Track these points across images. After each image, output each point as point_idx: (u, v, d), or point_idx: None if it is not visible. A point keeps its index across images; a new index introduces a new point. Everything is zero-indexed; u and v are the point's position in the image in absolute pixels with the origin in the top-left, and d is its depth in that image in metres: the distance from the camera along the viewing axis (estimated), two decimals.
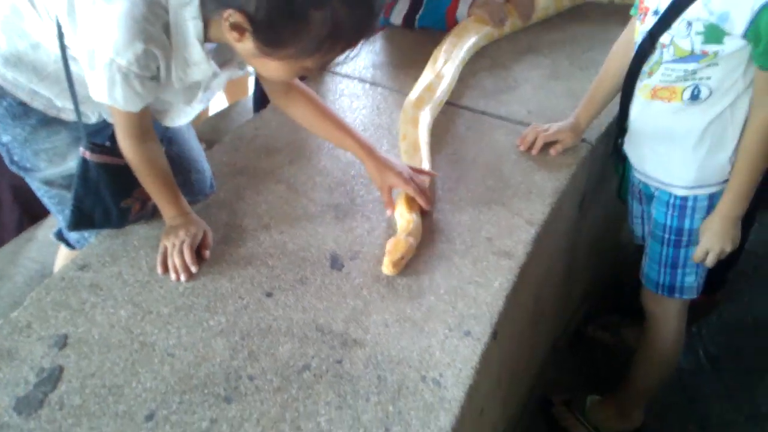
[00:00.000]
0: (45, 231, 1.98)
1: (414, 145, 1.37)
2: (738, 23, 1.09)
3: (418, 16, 1.96)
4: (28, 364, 0.98)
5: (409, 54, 1.84)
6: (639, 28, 1.27)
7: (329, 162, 1.42)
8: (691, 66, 1.19)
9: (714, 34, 1.12)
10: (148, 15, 0.94)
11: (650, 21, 1.22)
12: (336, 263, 1.16)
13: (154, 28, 0.95)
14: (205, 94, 1.13)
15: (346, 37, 0.95)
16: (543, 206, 1.29)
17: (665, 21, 1.19)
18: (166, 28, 0.97)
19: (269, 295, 1.10)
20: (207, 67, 1.03)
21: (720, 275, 1.81)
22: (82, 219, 1.19)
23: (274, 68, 1.01)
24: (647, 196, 1.43)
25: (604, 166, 1.59)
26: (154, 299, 1.08)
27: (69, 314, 1.06)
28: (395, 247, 1.12)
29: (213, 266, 1.15)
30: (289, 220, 1.26)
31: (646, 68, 1.27)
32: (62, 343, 1.01)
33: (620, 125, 1.41)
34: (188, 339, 1.02)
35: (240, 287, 1.11)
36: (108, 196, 1.16)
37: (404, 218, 1.20)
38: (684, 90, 1.22)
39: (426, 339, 1.02)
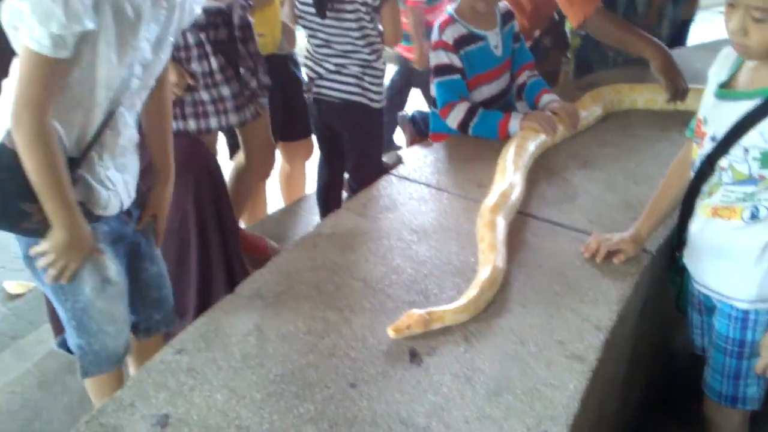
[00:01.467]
0: None
1: (492, 245, 1.46)
2: None
3: (472, 124, 2.12)
4: None
5: (470, 161, 1.97)
6: (698, 150, 1.36)
7: (402, 261, 1.51)
8: (749, 189, 1.27)
9: None
10: None
11: (708, 146, 1.31)
12: (415, 358, 1.22)
13: None
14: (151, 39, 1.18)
15: None
16: (610, 312, 1.35)
17: (723, 147, 1.28)
18: None
19: (353, 386, 1.16)
20: None
21: None
22: None
23: None
24: (708, 307, 1.48)
25: (663, 276, 1.65)
26: (247, 385, 1.15)
27: (168, 395, 1.13)
28: (406, 318, 1.26)
29: (301, 355, 1.22)
30: (368, 315, 1.33)
31: (705, 188, 1.36)
32: (164, 422, 1.08)
33: (679, 238, 1.49)
34: (280, 425, 1.08)
35: (326, 377, 1.18)
36: (11, 189, 1.14)
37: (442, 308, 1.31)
38: (743, 210, 1.29)
39: None
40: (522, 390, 1.16)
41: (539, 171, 1.91)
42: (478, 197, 1.73)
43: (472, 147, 2.09)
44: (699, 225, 1.40)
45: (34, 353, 2.08)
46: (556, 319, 1.33)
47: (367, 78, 2.37)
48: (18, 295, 2.82)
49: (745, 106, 1.23)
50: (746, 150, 1.24)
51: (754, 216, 1.29)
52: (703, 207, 1.38)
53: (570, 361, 1.23)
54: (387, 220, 1.68)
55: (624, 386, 1.71)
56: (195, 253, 1.81)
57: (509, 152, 1.84)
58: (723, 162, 1.28)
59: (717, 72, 1.35)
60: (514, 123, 2.07)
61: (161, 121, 1.40)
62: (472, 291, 1.33)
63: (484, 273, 1.39)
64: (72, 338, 1.36)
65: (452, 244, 1.58)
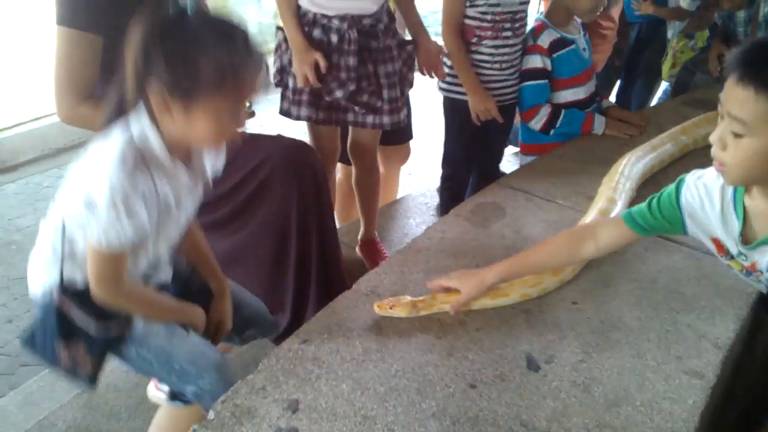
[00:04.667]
0: None
1: None
2: None
3: (556, 125, 2.25)
4: (267, 423, 1.11)
5: (577, 173, 1.98)
6: (758, 279, 1.22)
7: None
8: None
9: None
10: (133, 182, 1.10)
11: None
12: (532, 364, 1.25)
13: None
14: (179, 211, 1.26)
15: (232, 76, 1.08)
16: (727, 331, 1.34)
17: None
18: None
19: (473, 386, 1.19)
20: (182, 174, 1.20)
21: None
22: (31, 341, 1.29)
23: (202, 126, 1.11)
24: None
25: None
26: (370, 377, 1.21)
27: (297, 382, 1.19)
28: (394, 299, 1.36)
29: (420, 354, 1.26)
30: (483, 319, 1.37)
31: None
32: (294, 407, 1.14)
33: None
34: (404, 418, 1.12)
35: (445, 376, 1.22)
36: (50, 333, 1.26)
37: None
38: None
39: None
40: (641, 402, 1.16)
41: (648, 186, 1.89)
42: (587, 209, 1.74)
43: (576, 158, 2.09)
44: None
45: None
46: (672, 335, 1.32)
47: None
48: None
49: None
50: None
51: None
52: None
53: (689, 377, 1.22)
54: (495, 227, 1.71)
55: (730, 400, 1.68)
56: (294, 255, 1.89)
57: (616, 173, 1.82)
58: None
59: (703, 203, 1.20)
60: (599, 124, 2.26)
61: (198, 250, 1.51)
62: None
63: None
64: (184, 391, 1.40)
65: None
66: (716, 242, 1.23)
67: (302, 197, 1.84)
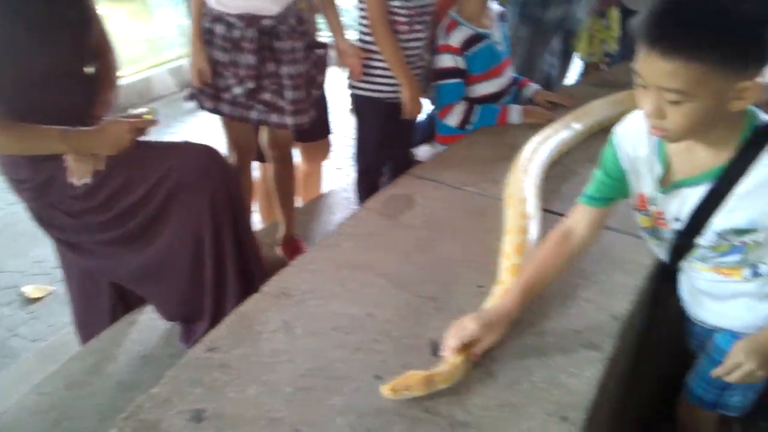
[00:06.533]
0: (144, 315, 2.16)
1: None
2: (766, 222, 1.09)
3: (472, 121, 2.29)
4: None
5: (485, 160, 2.03)
6: (647, 221, 1.27)
7: (423, 258, 1.56)
8: (737, 257, 1.17)
9: (745, 231, 1.12)
10: None
11: (676, 225, 1.21)
12: (436, 351, 1.27)
13: None
14: None
15: None
16: (625, 302, 1.39)
17: (694, 229, 1.17)
18: None
19: (378, 377, 1.21)
20: None
21: None
22: None
23: None
24: (707, 330, 1.40)
25: None
26: (278, 379, 1.21)
27: (204, 391, 1.19)
28: (407, 378, 1.14)
29: (329, 351, 1.27)
30: (392, 310, 1.39)
31: (695, 258, 1.24)
32: (199, 416, 1.14)
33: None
34: (312, 416, 1.13)
35: (353, 371, 1.23)
36: None
37: (448, 362, 1.19)
38: (743, 269, 1.20)
39: (525, 422, 1.11)
40: (540, 378, 1.20)
41: (555, 167, 1.95)
42: (496, 194, 1.78)
43: (487, 145, 2.14)
44: (694, 275, 1.31)
45: (57, 356, 2.15)
46: (572, 310, 1.37)
47: None
48: (36, 299, 2.92)
49: (697, 193, 1.14)
50: (718, 234, 1.15)
51: (756, 274, 1.20)
52: (699, 265, 1.27)
53: (587, 349, 1.27)
54: (406, 218, 1.74)
55: (634, 378, 1.74)
56: (210, 260, 1.87)
57: (520, 168, 1.80)
58: (700, 240, 1.19)
59: (635, 147, 1.22)
60: (514, 114, 2.30)
61: None
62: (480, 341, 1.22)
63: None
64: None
65: (471, 241, 1.63)
66: (641, 198, 1.25)
67: (213, 200, 1.83)
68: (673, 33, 0.96)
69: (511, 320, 1.26)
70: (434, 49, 2.29)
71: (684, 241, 1.22)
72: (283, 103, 2.04)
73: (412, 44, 2.21)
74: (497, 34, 2.32)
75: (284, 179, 2.42)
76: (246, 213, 2.05)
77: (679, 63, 0.95)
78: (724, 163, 1.09)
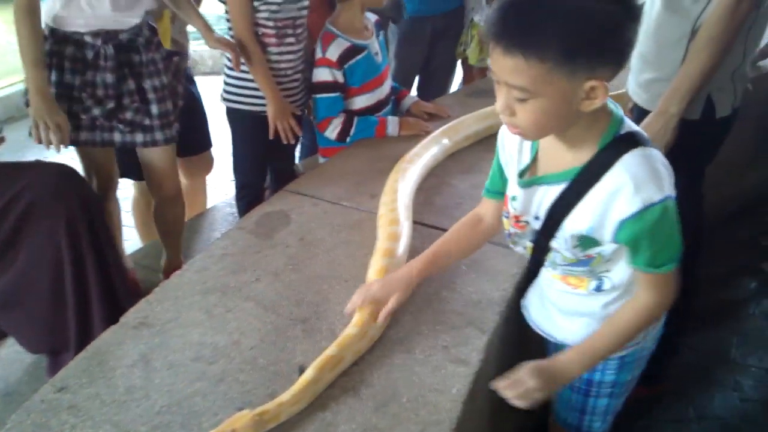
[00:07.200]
0: (6, 348, 2.00)
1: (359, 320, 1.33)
2: (604, 235, 1.09)
3: (351, 133, 2.26)
4: None
5: (362, 173, 2.01)
6: (519, 232, 1.24)
7: (295, 277, 1.52)
8: (584, 268, 1.18)
9: (589, 242, 1.12)
10: None
11: (536, 224, 1.20)
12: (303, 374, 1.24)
13: None
14: None
15: None
16: (493, 314, 1.41)
17: (548, 230, 1.17)
18: None
19: (241, 410, 1.16)
20: None
21: (659, 368, 1.94)
22: None
23: None
24: (558, 346, 1.37)
25: None
26: (131, 418, 1.14)
27: None
28: (233, 421, 1.07)
29: (188, 383, 1.21)
30: (260, 336, 1.34)
31: (548, 262, 1.24)
32: None
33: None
34: None
35: (213, 404, 1.17)
36: None
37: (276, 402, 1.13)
38: (590, 281, 1.21)
39: None
40: (407, 398, 1.19)
41: (428, 179, 1.96)
42: (371, 208, 1.77)
43: (364, 158, 2.12)
44: (546, 284, 1.32)
45: None
46: (442, 325, 1.37)
47: None
48: None
49: (555, 191, 1.13)
50: (567, 238, 1.14)
51: (599, 288, 1.21)
52: (551, 272, 1.28)
53: (455, 365, 1.27)
54: (280, 236, 1.69)
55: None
56: (71, 286, 1.76)
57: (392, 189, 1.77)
58: (553, 243, 1.18)
59: (510, 141, 1.22)
60: (392, 127, 2.29)
61: None
62: (309, 373, 1.18)
63: (329, 351, 1.23)
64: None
65: (344, 257, 1.60)
66: (506, 198, 1.24)
67: (70, 225, 1.71)
68: (512, 30, 0.95)
69: (412, 285, 1.36)
70: (312, 62, 2.26)
71: (540, 242, 1.21)
72: (148, 120, 1.94)
73: (284, 57, 2.17)
74: (375, 44, 2.32)
75: (171, 216, 2.28)
76: (110, 237, 1.93)
77: (519, 60, 0.95)
78: (582, 164, 1.09)
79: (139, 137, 1.97)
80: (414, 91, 3.51)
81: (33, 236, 1.72)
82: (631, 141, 1.06)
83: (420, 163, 1.93)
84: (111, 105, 1.87)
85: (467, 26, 3.49)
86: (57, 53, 1.83)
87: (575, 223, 1.11)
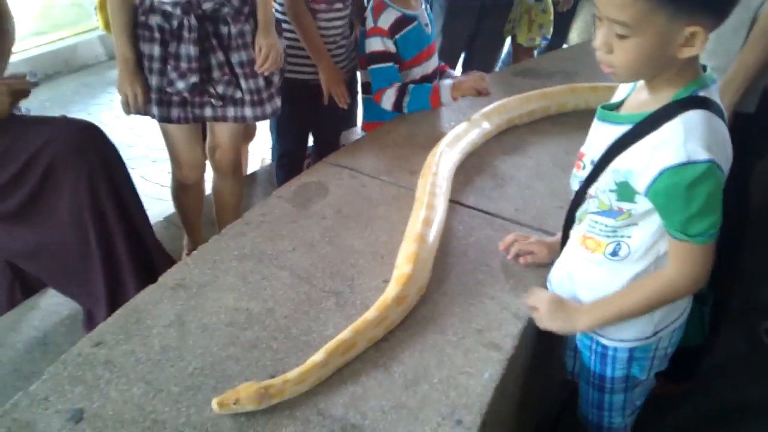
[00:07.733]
0: (47, 300, 2.04)
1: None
2: (641, 183, 1.07)
3: (405, 103, 2.19)
4: None
5: (402, 147, 1.99)
6: (576, 173, 1.25)
7: (330, 249, 1.52)
8: (610, 221, 1.17)
9: (626, 192, 1.11)
10: None
11: (587, 169, 1.20)
12: None
13: None
14: None
15: None
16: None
17: (596, 173, 1.17)
18: None
19: (273, 377, 1.17)
20: None
21: (687, 366, 1.90)
22: None
23: None
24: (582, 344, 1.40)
25: None
26: (165, 378, 1.15)
27: (85, 389, 1.12)
28: (238, 391, 1.08)
29: (222, 347, 1.22)
30: (293, 305, 1.34)
31: (578, 214, 1.26)
32: (78, 417, 1.07)
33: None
34: (197, 418, 1.08)
35: (246, 369, 1.18)
36: None
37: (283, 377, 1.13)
38: (608, 245, 1.20)
39: (420, 427, 1.09)
40: (439, 379, 1.19)
41: (469, 158, 1.94)
42: (410, 185, 1.75)
43: (404, 134, 2.10)
44: (569, 252, 1.33)
45: None
46: (476, 308, 1.36)
47: None
48: None
49: (617, 132, 1.13)
50: (609, 175, 1.14)
51: (615, 253, 1.20)
52: (574, 233, 1.29)
53: (487, 349, 1.26)
54: (317, 207, 1.69)
55: (547, 370, 1.77)
56: (95, 242, 1.79)
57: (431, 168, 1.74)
58: (592, 189, 1.18)
59: (621, 92, 1.24)
60: (445, 93, 2.18)
61: None
62: (319, 356, 1.17)
63: (340, 335, 1.22)
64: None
65: (381, 232, 1.59)
66: (581, 155, 1.24)
67: (91, 181, 1.73)
68: None
69: (556, 250, 1.41)
70: (362, 32, 2.23)
71: (581, 190, 1.21)
72: (240, 94, 1.91)
73: (332, 24, 2.14)
74: (425, 15, 2.28)
75: (226, 194, 2.25)
76: (136, 197, 1.92)
77: None
78: (649, 111, 1.09)
79: (230, 112, 1.94)
80: (459, 69, 3.46)
81: (56, 192, 1.75)
82: (703, 103, 1.05)
83: (458, 147, 1.90)
84: (194, 79, 1.83)
85: (517, 3, 3.42)
86: (145, 24, 1.82)
87: (622, 160, 1.11)
